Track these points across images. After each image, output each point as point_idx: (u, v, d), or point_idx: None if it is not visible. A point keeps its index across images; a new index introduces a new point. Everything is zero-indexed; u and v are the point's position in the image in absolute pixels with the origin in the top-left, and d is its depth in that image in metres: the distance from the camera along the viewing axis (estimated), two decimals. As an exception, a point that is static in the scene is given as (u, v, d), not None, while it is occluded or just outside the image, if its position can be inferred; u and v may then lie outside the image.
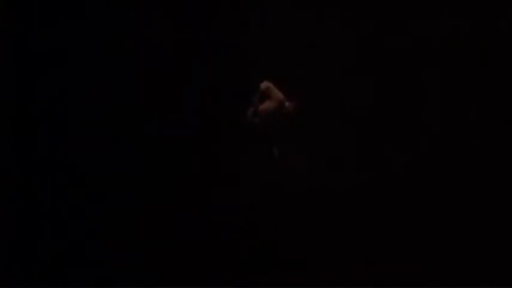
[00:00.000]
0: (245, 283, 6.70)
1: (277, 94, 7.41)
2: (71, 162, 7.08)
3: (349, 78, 7.68)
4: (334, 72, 7.78)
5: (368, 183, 7.16)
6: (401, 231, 6.84)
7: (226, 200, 7.25)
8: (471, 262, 6.47)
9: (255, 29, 7.83)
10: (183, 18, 7.43)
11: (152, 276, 6.81)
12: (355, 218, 7.08)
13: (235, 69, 7.60)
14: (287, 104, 7.41)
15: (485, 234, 6.66)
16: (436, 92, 7.00)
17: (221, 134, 7.48)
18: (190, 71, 7.48)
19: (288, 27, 7.89)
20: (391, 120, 7.32)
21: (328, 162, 7.86)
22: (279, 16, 7.93)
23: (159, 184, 7.22)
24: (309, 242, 6.96)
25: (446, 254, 6.59)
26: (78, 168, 7.09)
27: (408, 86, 7.19)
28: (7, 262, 6.78)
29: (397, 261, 6.65)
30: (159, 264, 6.94)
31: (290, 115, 7.40)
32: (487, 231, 6.66)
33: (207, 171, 7.38)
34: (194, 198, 7.27)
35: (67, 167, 7.08)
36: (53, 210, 6.98)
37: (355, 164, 7.73)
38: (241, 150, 7.50)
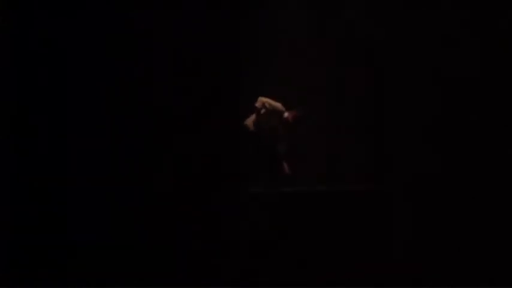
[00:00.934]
0: (246, 283, 6.71)
1: (275, 105, 7.42)
2: (70, 161, 7.09)
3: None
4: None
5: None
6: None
7: (227, 200, 7.27)
8: (477, 262, 6.47)
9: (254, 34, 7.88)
10: (183, 18, 7.45)
11: (153, 276, 6.83)
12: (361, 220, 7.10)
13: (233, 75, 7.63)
14: (286, 114, 7.43)
15: (487, 235, 6.66)
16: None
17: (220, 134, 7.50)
18: (190, 70, 7.49)
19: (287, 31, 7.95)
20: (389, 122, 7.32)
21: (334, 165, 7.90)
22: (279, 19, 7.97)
23: (159, 184, 7.23)
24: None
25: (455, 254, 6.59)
26: (77, 167, 7.10)
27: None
28: (6, 262, 6.78)
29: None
30: (159, 264, 6.95)
31: (290, 124, 7.42)
32: (491, 232, 6.66)
33: (207, 171, 7.41)
34: (194, 199, 7.28)
35: (67, 166, 7.09)
36: (52, 210, 6.98)
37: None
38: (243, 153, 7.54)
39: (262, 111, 7.40)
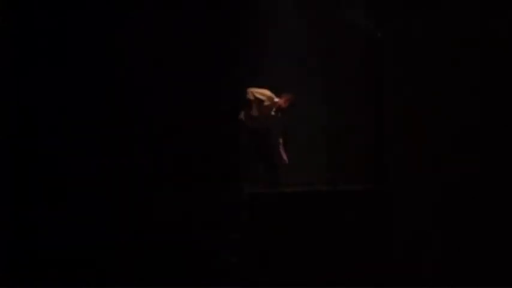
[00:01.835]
0: (245, 283, 6.71)
1: (265, 93, 7.42)
2: (70, 161, 7.10)
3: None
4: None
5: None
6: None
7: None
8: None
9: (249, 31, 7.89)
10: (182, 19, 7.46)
11: (152, 276, 6.83)
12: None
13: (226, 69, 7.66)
14: (277, 99, 7.43)
15: (487, 235, 6.65)
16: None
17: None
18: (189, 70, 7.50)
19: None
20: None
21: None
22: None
23: (159, 183, 7.24)
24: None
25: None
26: (77, 167, 7.11)
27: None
28: (6, 262, 6.78)
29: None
30: (159, 264, 6.95)
31: (283, 108, 7.41)
32: (490, 232, 6.65)
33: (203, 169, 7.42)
34: (194, 198, 7.28)
35: (66, 166, 7.09)
36: (51, 210, 6.98)
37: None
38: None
39: (252, 99, 7.39)
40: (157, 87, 7.41)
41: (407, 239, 6.86)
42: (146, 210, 7.10)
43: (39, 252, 6.92)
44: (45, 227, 6.95)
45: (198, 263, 6.98)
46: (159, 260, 6.95)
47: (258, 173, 7.58)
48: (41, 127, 7.14)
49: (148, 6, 7.40)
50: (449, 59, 6.88)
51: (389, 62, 7.28)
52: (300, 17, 8.08)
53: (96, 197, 7.06)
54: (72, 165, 7.12)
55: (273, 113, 7.40)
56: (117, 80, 7.25)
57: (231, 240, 7.06)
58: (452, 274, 6.45)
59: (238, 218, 7.13)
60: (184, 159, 7.57)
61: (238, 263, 6.87)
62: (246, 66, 7.87)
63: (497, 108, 6.78)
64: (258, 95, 7.38)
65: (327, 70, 8.06)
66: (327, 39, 8.04)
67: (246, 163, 7.54)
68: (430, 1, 7.05)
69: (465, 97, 6.89)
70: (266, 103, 7.41)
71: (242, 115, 7.46)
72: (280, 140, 7.44)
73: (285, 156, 7.40)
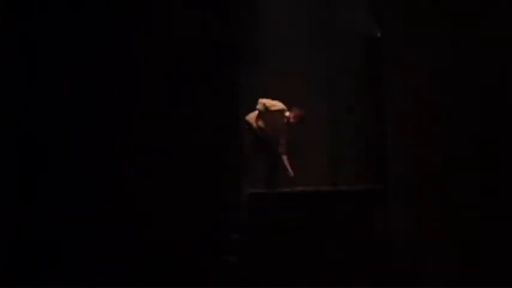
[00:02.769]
0: (245, 283, 6.71)
1: (276, 105, 7.42)
2: (70, 162, 7.10)
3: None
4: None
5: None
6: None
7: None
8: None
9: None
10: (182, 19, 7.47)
11: (152, 276, 6.83)
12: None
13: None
14: (288, 113, 7.43)
15: (487, 235, 6.65)
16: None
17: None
18: (190, 70, 7.50)
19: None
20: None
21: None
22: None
23: (158, 183, 7.24)
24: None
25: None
26: (77, 167, 7.11)
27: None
28: (6, 262, 6.78)
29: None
30: (158, 264, 6.95)
31: (292, 123, 7.43)
32: (491, 232, 6.64)
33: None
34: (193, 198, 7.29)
35: (66, 166, 7.10)
36: (52, 210, 6.99)
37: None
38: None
39: (263, 110, 7.40)
40: (157, 87, 7.41)
41: (407, 239, 6.86)
42: (146, 210, 7.10)
43: (39, 252, 6.91)
44: (45, 226, 6.95)
45: (198, 263, 6.98)
46: (159, 260, 6.95)
47: (258, 173, 7.59)
48: (41, 127, 7.14)
49: (149, 7, 7.40)
50: (449, 59, 6.88)
51: (390, 62, 7.28)
52: (300, 16, 8.09)
53: (96, 197, 7.06)
54: (71, 165, 7.13)
55: (281, 125, 7.41)
56: (117, 80, 7.25)
57: (231, 240, 7.06)
58: (452, 274, 6.45)
59: (238, 218, 7.14)
60: (184, 159, 7.57)
61: (238, 263, 6.88)
62: (246, 66, 7.88)
63: (499, 109, 6.77)
64: (268, 105, 7.39)
65: (327, 70, 8.07)
66: (327, 39, 8.05)
67: (247, 163, 7.56)
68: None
69: (466, 97, 6.89)
70: (276, 114, 7.41)
71: (249, 117, 7.45)
72: (285, 151, 7.46)
73: (290, 169, 7.42)
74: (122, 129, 7.23)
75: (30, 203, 6.96)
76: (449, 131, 6.82)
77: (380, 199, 7.04)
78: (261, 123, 7.40)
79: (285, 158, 7.45)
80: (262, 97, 7.43)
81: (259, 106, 7.38)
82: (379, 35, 7.57)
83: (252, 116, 7.46)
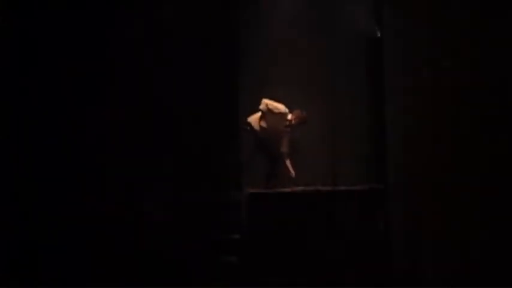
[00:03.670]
0: (245, 283, 6.71)
1: (279, 107, 7.43)
2: (70, 161, 7.10)
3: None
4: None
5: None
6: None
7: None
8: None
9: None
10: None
11: (152, 276, 6.83)
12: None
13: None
14: (290, 115, 7.44)
15: (487, 235, 6.65)
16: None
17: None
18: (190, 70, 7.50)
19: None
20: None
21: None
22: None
23: (158, 183, 7.24)
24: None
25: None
26: (76, 167, 7.11)
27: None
28: (6, 262, 6.79)
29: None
30: (158, 264, 6.95)
31: (293, 125, 7.44)
32: (491, 232, 6.64)
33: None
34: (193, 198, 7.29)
35: (66, 166, 7.10)
36: (52, 210, 6.99)
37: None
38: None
39: (266, 111, 7.41)
40: (157, 87, 7.41)
41: (407, 239, 6.86)
42: (146, 210, 7.11)
43: (40, 252, 6.92)
44: (45, 226, 6.96)
45: (198, 263, 6.97)
46: (159, 259, 6.95)
47: (258, 173, 7.59)
48: (41, 127, 7.15)
49: (149, 7, 7.41)
50: (449, 58, 6.88)
51: (390, 62, 7.28)
52: (300, 16, 8.09)
53: (96, 197, 7.07)
54: (71, 164, 7.13)
55: (283, 127, 7.42)
56: (116, 79, 7.26)
57: (231, 240, 7.06)
58: (452, 274, 6.45)
59: (238, 218, 7.14)
60: (184, 159, 7.58)
61: (238, 263, 6.88)
62: (246, 66, 7.88)
63: (499, 108, 6.78)
64: (271, 107, 7.40)
65: (328, 70, 8.07)
66: (327, 38, 8.05)
67: (247, 164, 7.57)
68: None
69: (466, 97, 6.89)
70: (278, 117, 7.42)
71: (251, 118, 7.46)
72: (287, 153, 7.47)
73: (291, 169, 7.43)
74: (121, 128, 7.23)
75: (30, 202, 6.96)
76: (449, 131, 6.82)
77: (380, 199, 7.04)
78: (263, 123, 7.41)
79: (287, 159, 7.46)
80: (264, 98, 7.45)
81: (262, 106, 7.39)
82: (379, 35, 7.56)
83: (253, 118, 7.46)
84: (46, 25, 7.17)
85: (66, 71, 7.21)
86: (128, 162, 7.19)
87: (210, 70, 7.59)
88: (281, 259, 6.85)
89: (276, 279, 6.73)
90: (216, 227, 7.16)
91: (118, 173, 7.19)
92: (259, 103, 7.41)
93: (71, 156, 7.15)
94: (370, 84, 7.81)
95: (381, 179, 7.25)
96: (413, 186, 6.93)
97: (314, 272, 6.77)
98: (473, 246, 6.58)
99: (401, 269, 6.60)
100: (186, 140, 7.45)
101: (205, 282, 6.74)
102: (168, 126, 7.42)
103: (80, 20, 7.23)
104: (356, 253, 6.87)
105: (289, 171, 7.42)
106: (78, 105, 7.22)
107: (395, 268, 6.63)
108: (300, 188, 7.42)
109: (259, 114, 7.44)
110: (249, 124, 7.45)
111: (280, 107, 7.44)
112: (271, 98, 7.48)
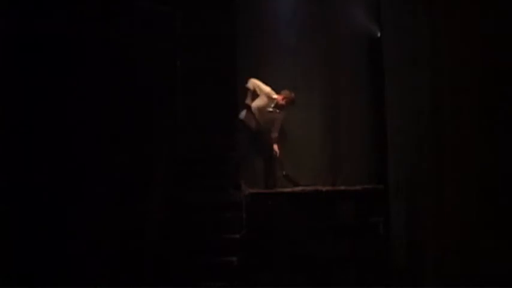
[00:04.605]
0: (245, 282, 6.71)
1: (265, 88, 7.59)
2: (70, 161, 7.10)
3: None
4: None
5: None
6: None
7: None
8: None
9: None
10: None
11: (151, 276, 6.83)
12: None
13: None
14: (276, 96, 7.58)
15: (487, 235, 6.64)
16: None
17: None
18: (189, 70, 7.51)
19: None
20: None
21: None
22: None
23: (157, 182, 7.25)
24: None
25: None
26: (76, 167, 7.11)
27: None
28: (6, 262, 6.78)
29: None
30: (158, 264, 6.95)
31: (280, 106, 7.55)
32: (491, 232, 6.64)
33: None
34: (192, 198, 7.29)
35: (66, 166, 7.10)
36: (51, 210, 6.99)
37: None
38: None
39: (253, 89, 7.56)
40: (157, 87, 7.42)
41: (407, 239, 6.86)
42: (146, 210, 7.11)
43: (39, 252, 6.92)
44: (45, 226, 6.96)
45: (198, 263, 6.98)
46: (159, 259, 6.95)
47: (257, 173, 7.62)
48: (42, 127, 7.15)
49: (149, 7, 7.41)
50: (449, 59, 6.88)
51: (390, 62, 7.29)
52: (300, 16, 8.10)
53: (96, 197, 7.06)
54: (71, 164, 7.13)
55: (270, 109, 7.53)
56: (116, 79, 7.26)
57: (231, 240, 7.06)
58: (452, 274, 6.45)
59: (238, 218, 7.14)
60: (184, 159, 7.59)
61: (238, 263, 6.88)
62: (246, 66, 7.90)
63: (499, 108, 6.78)
64: (257, 87, 7.55)
65: (328, 70, 8.08)
66: (327, 38, 8.05)
67: (245, 162, 7.59)
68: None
69: (466, 97, 6.89)
70: (265, 97, 7.56)
71: (242, 115, 7.51)
72: (275, 135, 7.60)
73: (276, 149, 7.57)
74: (121, 128, 7.23)
75: (29, 202, 6.96)
76: (449, 130, 6.83)
77: (380, 199, 7.05)
78: (248, 102, 7.54)
79: (275, 144, 7.60)
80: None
81: (249, 84, 7.54)
82: (379, 35, 7.57)
83: (243, 114, 7.58)
84: (46, 25, 7.17)
85: (66, 71, 7.21)
86: (128, 162, 7.20)
87: (210, 70, 7.61)
88: (281, 259, 6.86)
89: (275, 279, 6.74)
90: (216, 227, 7.16)
91: (117, 173, 7.19)
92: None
93: (70, 156, 7.15)
94: (370, 84, 7.82)
95: (381, 179, 7.26)
96: (414, 186, 6.93)
97: (314, 271, 6.78)
98: (474, 246, 6.59)
99: (401, 269, 6.60)
100: (186, 140, 7.46)
101: (205, 282, 6.74)
102: (168, 126, 7.42)
103: (80, 20, 7.23)
104: (356, 253, 6.88)
105: (276, 154, 7.53)
106: (78, 105, 7.23)
107: (395, 268, 6.63)
108: (300, 188, 7.44)
109: (246, 109, 7.58)
110: (242, 121, 7.55)
111: (266, 89, 7.59)
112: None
